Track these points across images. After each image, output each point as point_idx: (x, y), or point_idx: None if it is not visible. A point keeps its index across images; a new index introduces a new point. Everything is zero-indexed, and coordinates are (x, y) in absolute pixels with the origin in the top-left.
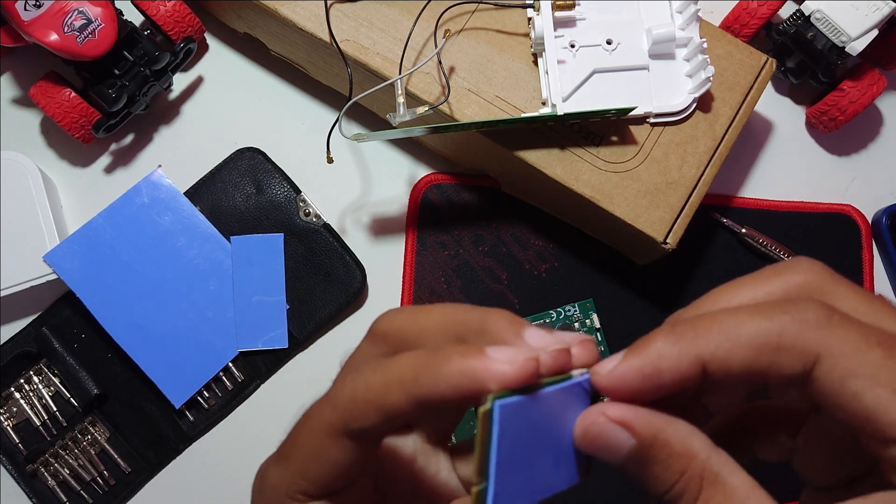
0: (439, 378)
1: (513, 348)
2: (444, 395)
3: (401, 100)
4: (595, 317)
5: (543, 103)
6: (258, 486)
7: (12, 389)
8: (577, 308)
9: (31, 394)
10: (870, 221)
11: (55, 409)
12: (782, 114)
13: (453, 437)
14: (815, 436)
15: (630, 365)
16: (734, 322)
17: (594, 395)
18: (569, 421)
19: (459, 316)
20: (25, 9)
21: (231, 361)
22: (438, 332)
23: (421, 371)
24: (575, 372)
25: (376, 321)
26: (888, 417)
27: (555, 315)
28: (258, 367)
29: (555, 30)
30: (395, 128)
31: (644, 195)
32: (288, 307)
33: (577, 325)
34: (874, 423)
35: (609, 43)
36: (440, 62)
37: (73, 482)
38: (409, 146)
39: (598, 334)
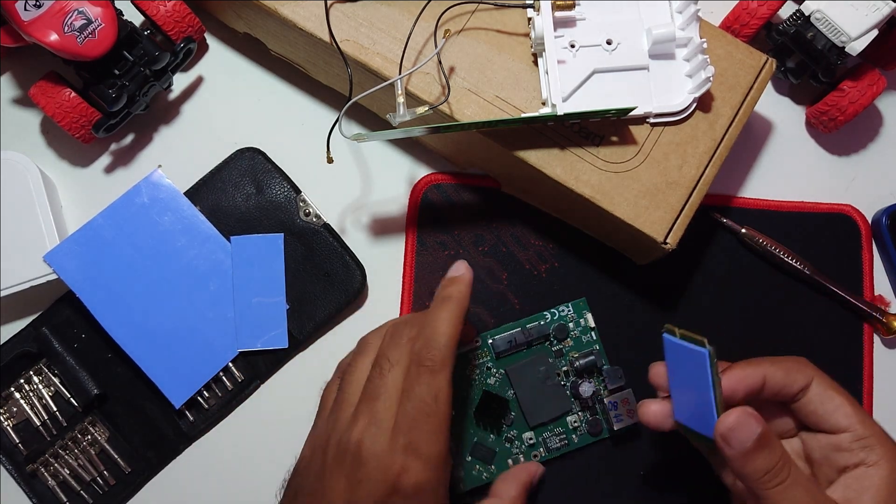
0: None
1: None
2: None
3: (401, 100)
4: (589, 316)
5: (543, 103)
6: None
7: (12, 389)
8: (570, 308)
9: (31, 394)
10: (870, 221)
11: (55, 409)
12: (782, 114)
13: (463, 485)
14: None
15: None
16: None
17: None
18: (700, 378)
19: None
20: (25, 9)
21: (231, 361)
22: None
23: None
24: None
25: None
26: (856, 420)
27: (549, 317)
28: (258, 367)
29: (555, 30)
30: (395, 128)
31: (644, 195)
32: (288, 307)
33: (571, 324)
34: (847, 425)
35: (609, 43)
36: (440, 62)
37: (73, 482)
38: (409, 146)
39: (593, 333)
